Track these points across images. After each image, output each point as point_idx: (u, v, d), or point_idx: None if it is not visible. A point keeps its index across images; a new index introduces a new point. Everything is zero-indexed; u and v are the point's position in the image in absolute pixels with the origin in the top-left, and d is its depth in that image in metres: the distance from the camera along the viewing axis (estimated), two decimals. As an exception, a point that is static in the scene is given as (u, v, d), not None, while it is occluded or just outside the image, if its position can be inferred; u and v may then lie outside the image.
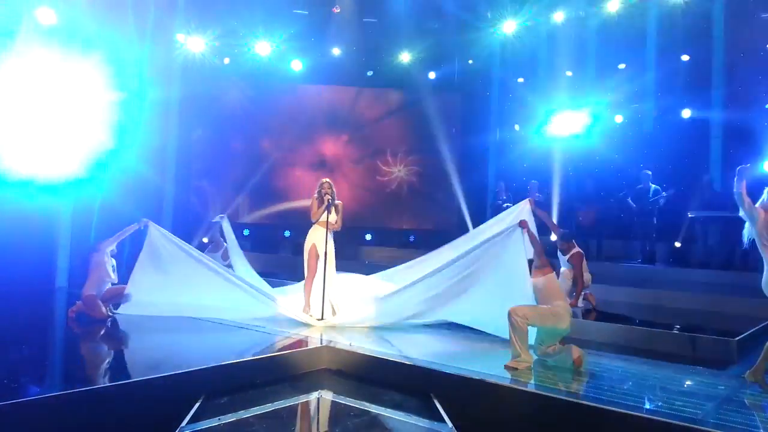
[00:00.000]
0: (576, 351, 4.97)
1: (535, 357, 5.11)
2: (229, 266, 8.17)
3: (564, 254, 7.22)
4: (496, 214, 12.29)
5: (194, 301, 6.85)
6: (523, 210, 6.56)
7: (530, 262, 5.42)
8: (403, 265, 7.55)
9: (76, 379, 4.78)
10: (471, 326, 6.08)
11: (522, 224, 5.62)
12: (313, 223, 6.78)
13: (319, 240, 6.61)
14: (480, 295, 5.80)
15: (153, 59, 10.76)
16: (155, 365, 5.27)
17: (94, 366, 5.34)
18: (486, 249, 5.83)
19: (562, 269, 7.28)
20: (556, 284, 5.21)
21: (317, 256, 6.62)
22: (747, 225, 4.53)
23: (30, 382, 4.51)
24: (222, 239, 8.72)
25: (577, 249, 7.19)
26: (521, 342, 5.00)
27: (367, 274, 7.72)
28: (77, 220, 9.61)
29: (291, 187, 13.99)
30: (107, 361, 5.50)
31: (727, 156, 11.24)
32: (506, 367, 4.93)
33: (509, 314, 5.04)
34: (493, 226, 6.68)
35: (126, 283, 7.04)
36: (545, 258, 5.27)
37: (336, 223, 6.73)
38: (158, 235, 7.04)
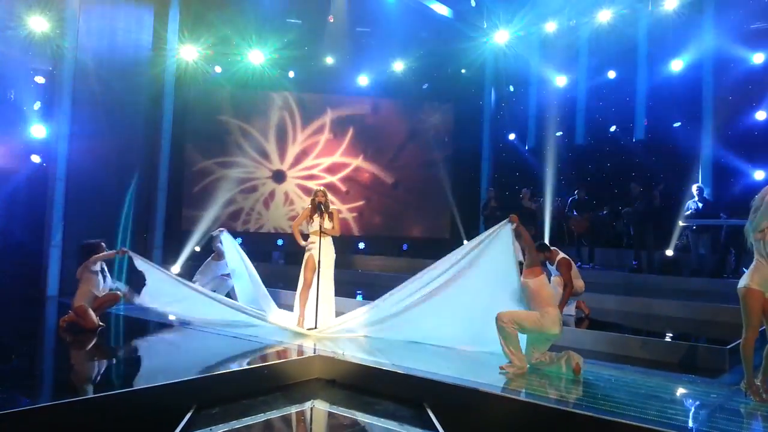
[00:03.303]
0: (575, 358, 4.99)
1: (529, 364, 5.12)
2: (228, 276, 8.15)
3: (551, 263, 7.25)
4: (487, 222, 12.47)
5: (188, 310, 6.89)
6: (504, 228, 5.78)
7: (521, 264, 5.43)
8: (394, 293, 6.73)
9: (67, 389, 4.74)
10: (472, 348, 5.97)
11: (512, 219, 5.52)
12: (308, 235, 6.75)
13: (315, 251, 6.59)
14: (474, 313, 5.72)
15: (144, 69, 10.77)
16: (146, 375, 5.24)
17: (85, 376, 5.29)
18: (474, 259, 5.76)
19: (553, 277, 7.28)
20: (547, 289, 5.20)
21: (314, 268, 6.58)
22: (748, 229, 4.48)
23: (20, 392, 4.46)
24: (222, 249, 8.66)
25: (561, 255, 7.22)
26: (512, 346, 5.04)
27: (361, 282, 7.67)
28: (68, 227, 9.58)
29: (286, 196, 14.02)
30: (98, 371, 5.45)
31: (717, 165, 11.35)
32: (501, 368, 5.02)
33: (497, 319, 5.08)
34: (474, 246, 5.99)
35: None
36: (536, 255, 5.28)
37: (333, 228, 6.73)
38: (141, 263, 7.05)
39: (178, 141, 12.59)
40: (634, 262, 10.66)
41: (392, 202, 14.48)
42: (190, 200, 13.32)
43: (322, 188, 6.89)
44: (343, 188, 14.05)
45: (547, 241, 11.18)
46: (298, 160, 14.14)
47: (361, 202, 14.34)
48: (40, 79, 9.66)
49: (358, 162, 14.35)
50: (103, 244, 6.99)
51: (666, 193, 10.52)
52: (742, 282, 4.38)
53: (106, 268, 6.97)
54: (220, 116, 13.45)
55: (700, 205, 9.90)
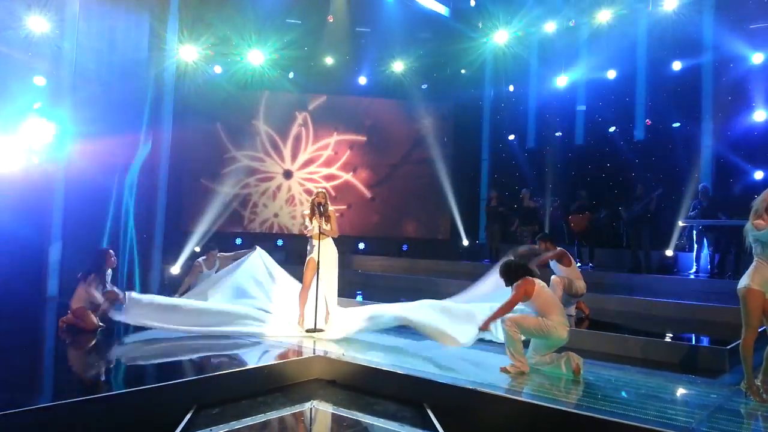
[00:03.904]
0: (575, 359, 5.00)
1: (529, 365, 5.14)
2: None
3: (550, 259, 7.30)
4: (489, 221, 12.50)
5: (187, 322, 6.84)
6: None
7: None
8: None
9: (67, 390, 4.73)
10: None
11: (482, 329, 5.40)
12: (309, 237, 6.74)
13: (315, 252, 6.58)
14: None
15: (144, 70, 10.76)
16: (146, 375, 5.25)
17: (85, 377, 5.29)
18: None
19: (553, 277, 7.28)
20: (546, 298, 5.15)
21: (314, 270, 6.57)
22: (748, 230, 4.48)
23: (20, 393, 4.45)
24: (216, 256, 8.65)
25: (559, 248, 7.27)
26: (514, 350, 5.08)
27: (361, 282, 7.68)
28: (68, 227, 9.57)
29: (286, 197, 14.05)
30: (98, 371, 5.45)
31: (717, 165, 11.37)
32: (501, 369, 5.08)
33: (501, 323, 5.15)
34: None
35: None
36: (519, 298, 5.16)
37: (330, 230, 6.71)
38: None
39: (179, 141, 12.58)
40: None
41: (391, 202, 14.47)
42: (190, 201, 13.32)
43: (322, 190, 6.89)
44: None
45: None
46: (296, 160, 14.16)
47: (360, 202, 14.38)
48: (40, 80, 9.65)
49: (356, 162, 14.39)
50: (111, 251, 7.03)
51: (664, 196, 10.52)
52: (743, 282, 4.39)
53: (109, 276, 6.99)
54: (220, 116, 13.45)
55: (705, 204, 9.91)
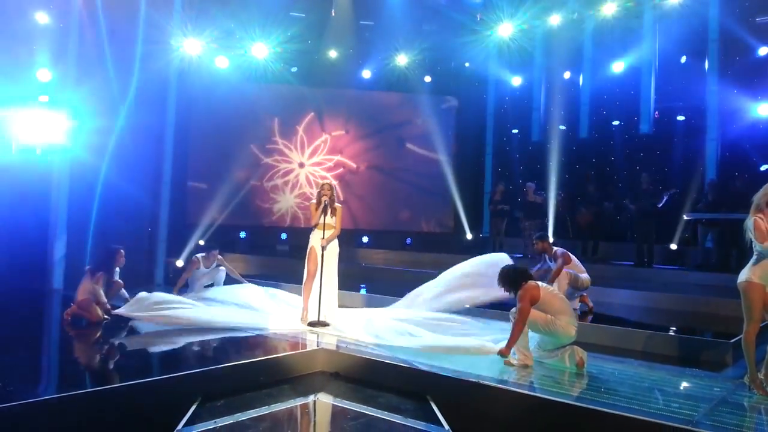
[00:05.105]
0: (579, 353, 5.00)
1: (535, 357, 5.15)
2: (217, 267, 8.26)
3: (549, 258, 7.30)
4: (493, 217, 12.48)
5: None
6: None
7: None
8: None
9: (72, 382, 4.77)
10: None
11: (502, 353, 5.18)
12: (314, 227, 6.72)
13: (316, 242, 6.58)
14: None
15: (148, 63, 10.75)
16: (151, 368, 5.28)
17: (90, 369, 5.32)
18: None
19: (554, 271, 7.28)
20: (553, 300, 5.11)
21: (316, 260, 6.57)
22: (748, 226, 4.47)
23: (25, 385, 4.49)
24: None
25: (557, 249, 7.27)
26: (519, 343, 5.07)
27: (365, 276, 7.69)
28: (73, 220, 9.61)
29: (288, 191, 14.06)
30: (103, 363, 5.48)
31: (721, 159, 11.32)
32: (505, 362, 5.07)
33: (511, 315, 5.16)
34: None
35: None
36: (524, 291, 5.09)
37: (334, 225, 6.69)
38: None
39: (183, 135, 12.58)
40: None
41: (395, 195, 14.46)
42: (194, 194, 13.34)
43: (327, 182, 6.82)
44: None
45: (551, 233, 11.21)
46: (299, 154, 14.18)
47: (364, 196, 14.38)
48: (44, 73, 9.66)
49: (360, 155, 14.40)
50: (122, 250, 7.08)
51: (676, 196, 10.49)
52: (743, 276, 4.39)
53: (116, 274, 7.04)
54: (223, 110, 13.43)
55: (711, 199, 9.88)
